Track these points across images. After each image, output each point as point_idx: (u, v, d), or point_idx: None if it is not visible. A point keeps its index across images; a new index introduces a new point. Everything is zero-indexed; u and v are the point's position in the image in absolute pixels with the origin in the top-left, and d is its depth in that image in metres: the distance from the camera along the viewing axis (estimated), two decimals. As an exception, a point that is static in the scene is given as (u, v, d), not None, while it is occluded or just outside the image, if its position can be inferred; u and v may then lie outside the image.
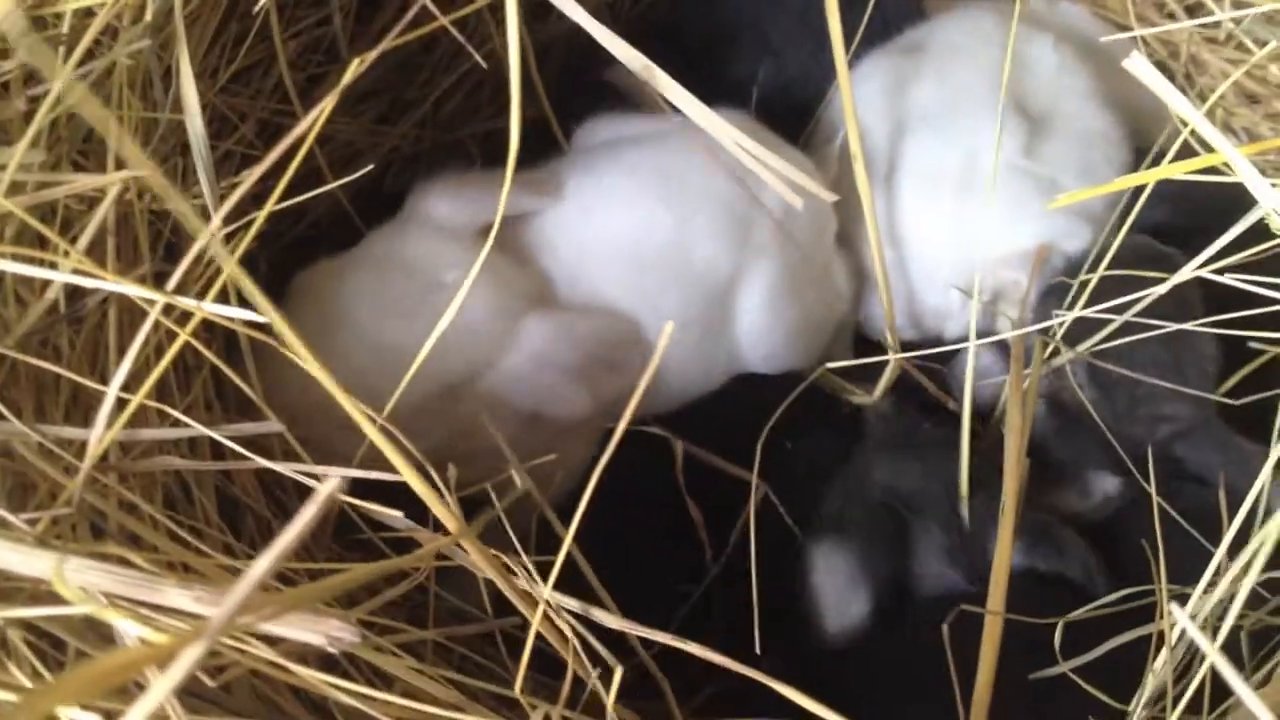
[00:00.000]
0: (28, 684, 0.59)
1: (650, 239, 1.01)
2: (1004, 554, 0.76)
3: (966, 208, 1.09)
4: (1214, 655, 0.47)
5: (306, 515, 0.47)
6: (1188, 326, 0.89)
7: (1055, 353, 0.97)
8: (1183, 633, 0.71)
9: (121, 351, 0.74)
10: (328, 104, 0.59)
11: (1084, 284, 0.95)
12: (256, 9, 0.89)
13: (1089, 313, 0.89)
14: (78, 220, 0.74)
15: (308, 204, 1.17)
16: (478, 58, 0.94)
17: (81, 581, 0.54)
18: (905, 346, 1.01)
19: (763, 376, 1.07)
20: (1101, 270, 0.94)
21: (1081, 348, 0.93)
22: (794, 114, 1.20)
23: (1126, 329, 0.89)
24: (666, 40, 1.31)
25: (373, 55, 0.65)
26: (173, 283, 0.60)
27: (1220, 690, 0.71)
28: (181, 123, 0.77)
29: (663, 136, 1.05)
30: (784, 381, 1.05)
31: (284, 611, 0.51)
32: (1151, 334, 0.87)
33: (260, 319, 0.57)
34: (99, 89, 0.76)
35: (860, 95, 1.13)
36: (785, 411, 0.99)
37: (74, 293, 0.72)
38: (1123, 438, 0.94)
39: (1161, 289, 0.82)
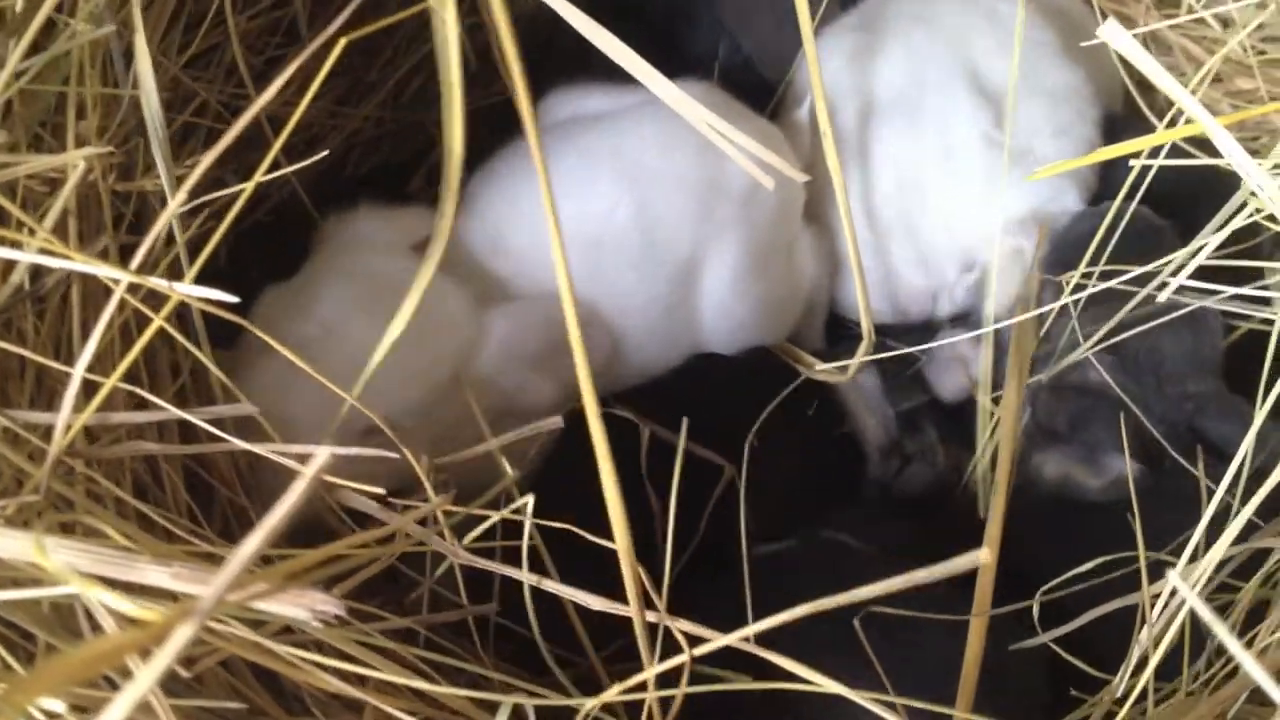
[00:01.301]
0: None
1: (608, 223, 0.99)
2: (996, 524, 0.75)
3: (949, 185, 1.08)
4: (1209, 616, 0.46)
5: (298, 489, 0.46)
6: (1209, 304, 0.89)
7: (1067, 341, 0.96)
8: (1168, 602, 0.71)
9: (86, 334, 0.73)
10: (317, 81, 0.58)
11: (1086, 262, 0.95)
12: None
13: (1116, 284, 0.88)
14: (38, 202, 0.72)
15: (266, 189, 1.17)
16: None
17: (59, 562, 0.53)
18: (883, 331, 1.01)
19: (729, 359, 1.06)
20: (1099, 249, 0.93)
21: (1105, 330, 0.92)
22: (755, 91, 1.19)
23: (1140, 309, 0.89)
24: (628, 17, 1.30)
25: (358, 34, 0.64)
26: (136, 261, 0.58)
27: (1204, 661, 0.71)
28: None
29: (619, 115, 1.04)
30: (748, 365, 1.05)
31: (278, 587, 0.50)
32: (1176, 314, 0.87)
33: (228, 298, 0.56)
34: (57, 68, 0.74)
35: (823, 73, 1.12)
36: (748, 398, 0.98)
37: (36, 274, 0.70)
38: (1151, 417, 0.94)
39: (1182, 278, 0.81)
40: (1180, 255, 0.86)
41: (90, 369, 0.62)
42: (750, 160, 0.78)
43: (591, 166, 1.01)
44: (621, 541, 0.55)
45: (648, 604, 0.63)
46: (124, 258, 0.79)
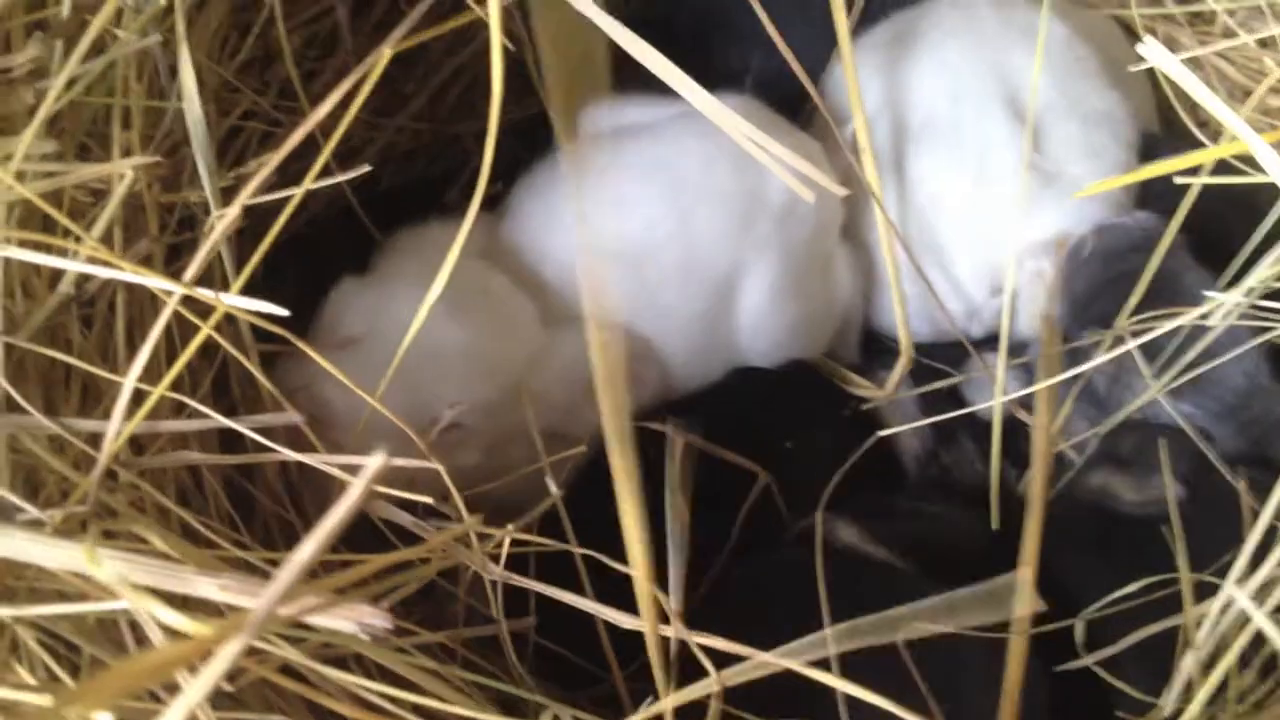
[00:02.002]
0: (36, 693, 0.58)
1: (650, 238, 0.99)
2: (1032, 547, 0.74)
3: (981, 206, 1.07)
4: (1271, 630, 0.46)
5: (351, 497, 0.46)
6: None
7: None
8: (1218, 620, 0.70)
9: (132, 344, 0.73)
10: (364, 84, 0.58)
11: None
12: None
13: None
14: (85, 212, 0.72)
15: (303, 201, 1.17)
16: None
17: (109, 572, 0.53)
18: (920, 349, 1.00)
19: (766, 372, 1.06)
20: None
21: (1172, 367, 0.92)
22: (787, 105, 1.18)
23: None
24: (657, 32, 1.30)
25: (407, 41, 0.64)
26: (190, 273, 0.59)
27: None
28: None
29: (659, 128, 1.04)
30: (787, 378, 1.04)
31: (328, 601, 0.49)
32: (1247, 346, 0.88)
33: (279, 311, 0.56)
34: (104, 79, 0.75)
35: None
36: (786, 408, 0.98)
37: (81, 283, 0.70)
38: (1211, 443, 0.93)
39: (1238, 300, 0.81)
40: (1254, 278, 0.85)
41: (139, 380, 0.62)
42: (790, 174, 0.78)
43: (634, 180, 1.00)
44: (639, 564, 0.55)
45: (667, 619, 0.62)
46: (167, 265, 0.79)
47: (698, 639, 0.62)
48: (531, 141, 1.12)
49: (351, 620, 0.51)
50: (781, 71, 1.22)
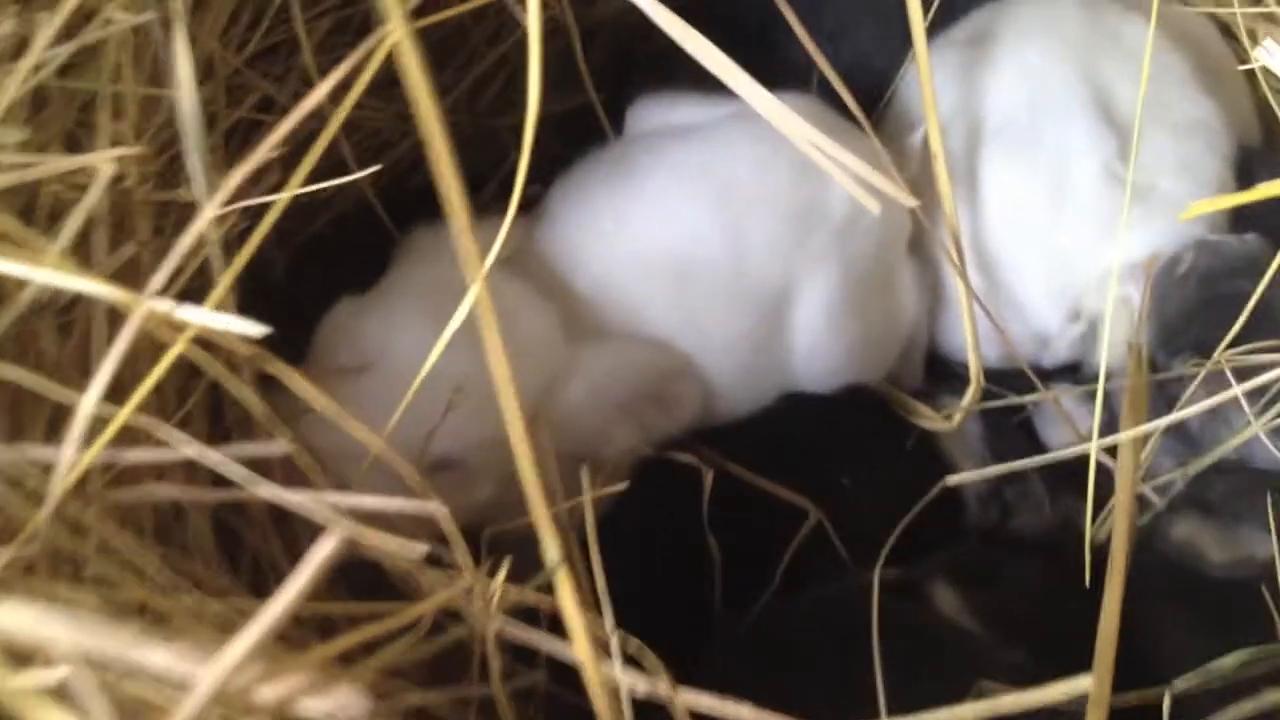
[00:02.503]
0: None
1: (696, 249, 0.91)
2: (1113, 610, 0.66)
3: (1060, 222, 0.98)
4: None
5: (309, 570, 0.38)
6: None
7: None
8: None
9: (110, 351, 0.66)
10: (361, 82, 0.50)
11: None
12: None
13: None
14: (66, 209, 0.65)
15: (330, 197, 1.10)
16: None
17: (44, 635, 0.46)
18: (989, 376, 0.91)
19: (820, 397, 0.97)
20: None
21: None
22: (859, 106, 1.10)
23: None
24: (718, 25, 1.23)
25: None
26: (157, 282, 0.51)
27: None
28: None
29: (711, 128, 0.96)
30: (844, 405, 0.96)
31: (287, 679, 0.42)
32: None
33: (252, 330, 0.48)
34: (97, 63, 0.68)
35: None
36: (842, 439, 0.90)
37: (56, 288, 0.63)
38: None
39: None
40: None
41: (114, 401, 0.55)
42: (854, 182, 0.70)
43: (680, 185, 0.92)
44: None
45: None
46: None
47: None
48: (574, 138, 1.05)
49: (325, 703, 0.44)
50: (850, 71, 1.13)
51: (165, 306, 0.49)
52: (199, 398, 0.72)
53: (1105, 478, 0.87)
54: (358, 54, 0.51)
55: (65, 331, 0.66)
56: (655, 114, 1.01)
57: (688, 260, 0.90)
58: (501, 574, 0.58)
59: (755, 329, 0.92)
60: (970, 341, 0.89)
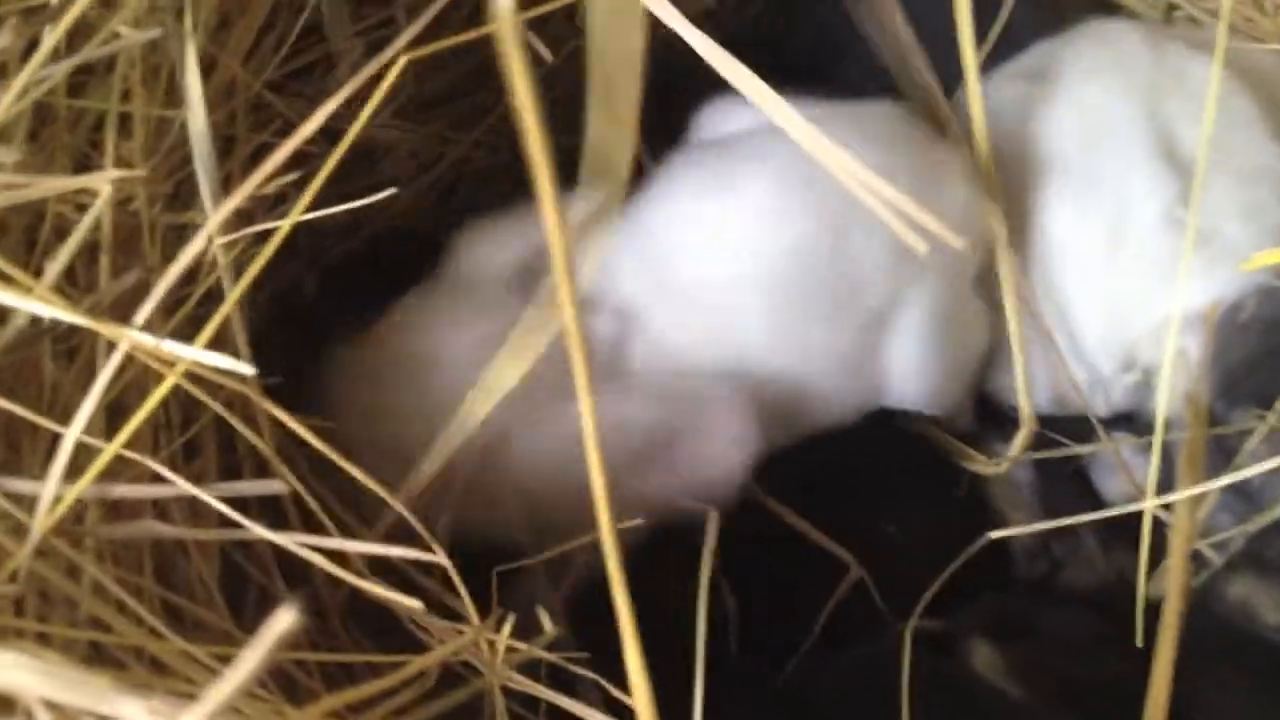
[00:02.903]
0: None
1: (801, 263, 0.84)
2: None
3: (1117, 267, 0.93)
4: None
5: (265, 643, 0.35)
6: None
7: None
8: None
9: (118, 381, 0.63)
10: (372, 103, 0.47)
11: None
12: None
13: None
14: (69, 231, 0.62)
15: (363, 217, 1.08)
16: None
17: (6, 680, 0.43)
18: (1042, 422, 0.87)
19: (871, 438, 0.93)
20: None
21: None
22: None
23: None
24: (771, 54, 1.20)
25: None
26: (143, 314, 0.48)
27: None
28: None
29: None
30: (891, 446, 0.92)
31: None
32: None
33: (242, 369, 0.45)
34: (104, 80, 0.65)
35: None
36: (890, 485, 0.86)
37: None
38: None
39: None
40: None
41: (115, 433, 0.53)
42: (900, 219, 0.67)
43: (785, 193, 0.84)
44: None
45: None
46: (176, 293, 0.69)
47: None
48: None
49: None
50: (903, 100, 1.10)
51: (151, 340, 0.46)
52: (207, 430, 0.69)
53: (1161, 532, 0.83)
54: (365, 73, 0.48)
55: (69, 357, 0.64)
56: (734, 118, 0.92)
57: (791, 275, 0.84)
58: (506, 628, 0.55)
59: (854, 346, 0.86)
60: (1020, 383, 0.85)
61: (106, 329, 0.47)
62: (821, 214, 0.84)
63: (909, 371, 0.89)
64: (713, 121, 0.94)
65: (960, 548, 0.86)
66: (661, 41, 0.65)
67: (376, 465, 0.64)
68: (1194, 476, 0.68)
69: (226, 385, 0.56)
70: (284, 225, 0.53)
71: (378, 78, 0.55)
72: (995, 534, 0.80)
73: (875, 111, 0.93)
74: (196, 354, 0.47)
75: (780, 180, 0.85)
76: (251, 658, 0.36)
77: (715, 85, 0.69)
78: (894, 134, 0.90)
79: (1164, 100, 0.96)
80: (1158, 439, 0.79)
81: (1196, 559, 0.86)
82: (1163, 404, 0.81)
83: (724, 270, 0.84)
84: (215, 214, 0.54)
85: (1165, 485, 0.84)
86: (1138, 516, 0.83)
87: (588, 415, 0.38)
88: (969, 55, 0.84)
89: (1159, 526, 0.81)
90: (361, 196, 1.06)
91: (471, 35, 0.61)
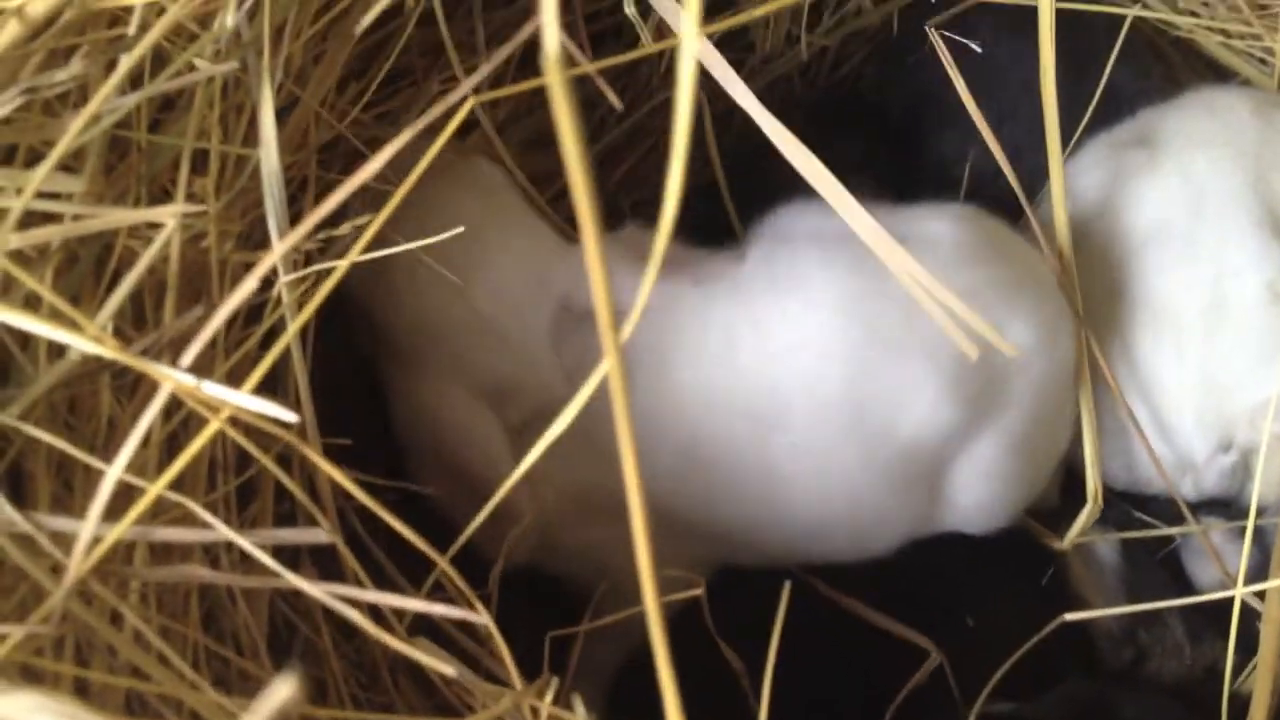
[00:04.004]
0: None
1: (817, 385, 0.81)
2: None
3: (1216, 341, 0.90)
4: None
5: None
6: None
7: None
8: None
9: (172, 422, 0.63)
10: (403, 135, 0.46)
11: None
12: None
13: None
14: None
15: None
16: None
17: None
18: (1130, 502, 0.83)
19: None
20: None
21: None
22: (1007, 203, 1.03)
23: None
24: (870, 114, 1.18)
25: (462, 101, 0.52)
26: (190, 355, 0.47)
27: None
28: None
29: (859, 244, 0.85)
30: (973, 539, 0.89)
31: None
32: None
33: (288, 416, 0.44)
34: (180, 115, 0.65)
35: (1077, 190, 0.95)
36: (970, 574, 0.83)
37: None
38: None
39: None
40: None
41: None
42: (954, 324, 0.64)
43: (820, 314, 0.82)
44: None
45: None
46: (239, 331, 0.69)
47: None
48: (697, 217, 0.99)
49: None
50: (1002, 167, 1.07)
51: (193, 381, 0.45)
52: (264, 475, 0.68)
53: (1253, 624, 0.79)
54: (424, 119, 0.47)
55: (129, 391, 0.63)
56: (804, 223, 0.89)
57: (811, 389, 0.81)
58: (549, 695, 0.52)
59: (885, 478, 0.83)
60: (1090, 459, 0.82)
61: (150, 370, 0.46)
62: (847, 338, 0.81)
63: (974, 505, 0.86)
64: (785, 224, 0.91)
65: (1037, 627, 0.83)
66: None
67: None
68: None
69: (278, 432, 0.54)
70: (342, 264, 0.52)
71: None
72: (1071, 616, 0.76)
73: (955, 213, 0.90)
74: (240, 399, 0.46)
75: (822, 297, 0.82)
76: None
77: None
78: (981, 240, 0.88)
79: (1271, 173, 0.93)
80: (1250, 523, 0.75)
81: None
82: (1257, 487, 0.77)
83: (758, 375, 0.82)
84: (277, 249, 0.53)
85: (1258, 574, 0.80)
86: (1230, 606, 0.79)
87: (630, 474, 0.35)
88: (1053, 133, 0.81)
89: (1252, 617, 0.77)
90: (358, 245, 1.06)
91: (533, 83, 0.60)
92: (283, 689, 0.29)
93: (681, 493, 0.82)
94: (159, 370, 0.46)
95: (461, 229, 0.74)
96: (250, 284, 0.45)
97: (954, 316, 0.64)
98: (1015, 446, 0.85)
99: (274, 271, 0.62)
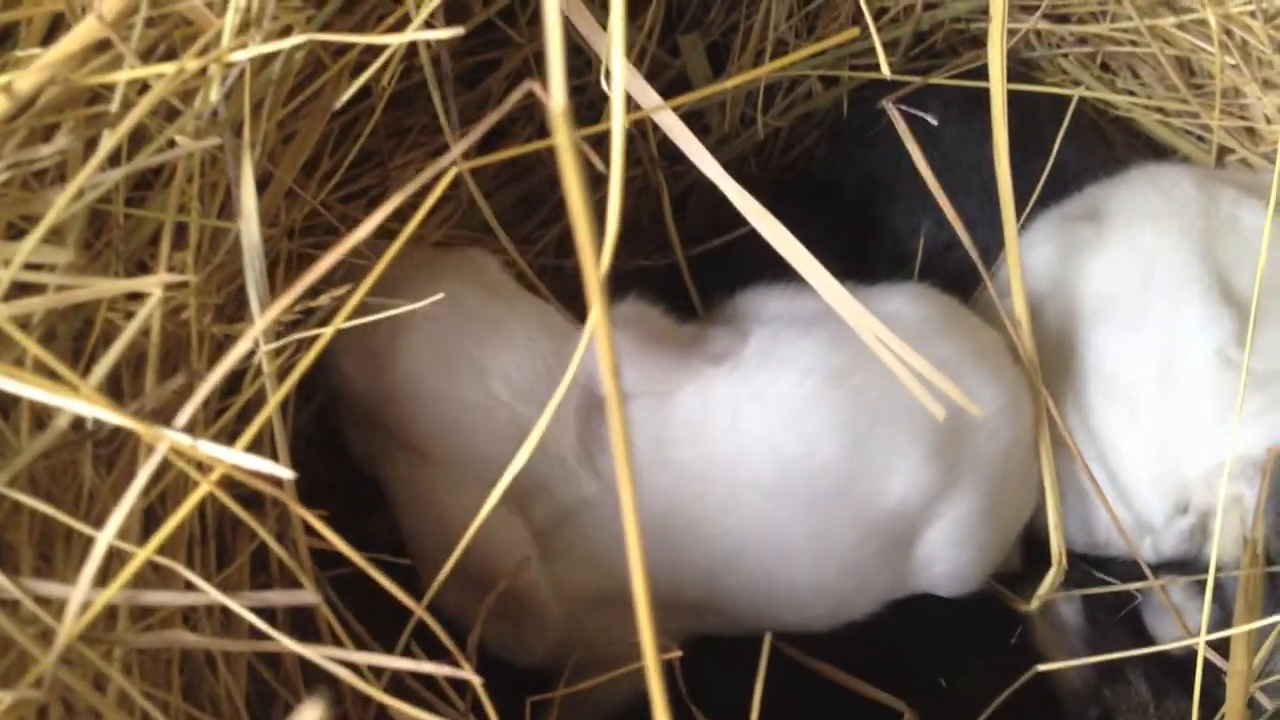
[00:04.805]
0: None
1: (806, 463, 0.83)
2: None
3: (1168, 407, 0.92)
4: None
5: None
6: None
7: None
8: None
9: (158, 486, 0.63)
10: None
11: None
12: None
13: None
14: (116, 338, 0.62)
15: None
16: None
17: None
18: (1090, 564, 0.85)
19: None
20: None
21: None
22: (958, 276, 1.05)
23: None
24: (821, 193, 1.20)
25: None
26: (184, 417, 0.48)
27: None
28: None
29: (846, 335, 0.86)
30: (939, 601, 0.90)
31: None
32: None
33: (283, 473, 0.44)
34: (161, 190, 0.66)
35: (1030, 264, 0.98)
36: (940, 635, 0.84)
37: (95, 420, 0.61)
38: None
39: None
40: None
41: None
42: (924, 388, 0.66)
43: (809, 398, 0.83)
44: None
45: None
46: (218, 402, 0.69)
47: None
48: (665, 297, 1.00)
49: None
50: (953, 241, 1.10)
51: (189, 440, 0.46)
52: (242, 544, 0.69)
53: (1216, 678, 0.81)
54: (406, 190, 0.48)
55: (108, 464, 0.64)
56: (773, 304, 0.93)
57: (789, 473, 0.83)
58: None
59: (866, 542, 0.85)
60: (1053, 522, 0.84)
61: (144, 429, 0.47)
62: (835, 414, 0.83)
63: (946, 569, 0.89)
64: (754, 301, 0.94)
65: (1009, 698, 0.85)
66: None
67: None
68: (1251, 612, 0.66)
69: (263, 492, 0.55)
70: (327, 332, 0.53)
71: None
72: (1043, 667, 0.78)
73: (908, 292, 0.94)
74: (234, 456, 0.47)
75: (806, 378, 0.84)
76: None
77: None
78: (932, 315, 0.91)
79: (1216, 244, 0.96)
80: (1211, 578, 0.77)
81: (1253, 707, 0.82)
82: (1216, 544, 0.79)
83: (738, 451, 0.83)
84: (261, 319, 0.54)
85: (1219, 628, 0.82)
86: (1192, 664, 0.81)
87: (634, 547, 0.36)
88: (1007, 206, 0.84)
89: (1215, 674, 0.78)
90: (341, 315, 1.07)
91: (526, 148, 0.62)
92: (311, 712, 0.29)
93: (680, 566, 0.83)
94: (154, 431, 0.46)
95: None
96: (241, 348, 0.46)
97: (927, 384, 0.66)
98: (985, 510, 0.87)
99: (255, 342, 0.63)
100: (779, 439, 0.82)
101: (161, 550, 0.56)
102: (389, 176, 0.98)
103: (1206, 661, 0.81)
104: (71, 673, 0.52)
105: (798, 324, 0.88)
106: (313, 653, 0.53)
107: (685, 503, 0.82)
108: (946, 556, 0.87)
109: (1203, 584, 0.80)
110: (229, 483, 0.53)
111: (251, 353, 0.65)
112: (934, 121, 1.00)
